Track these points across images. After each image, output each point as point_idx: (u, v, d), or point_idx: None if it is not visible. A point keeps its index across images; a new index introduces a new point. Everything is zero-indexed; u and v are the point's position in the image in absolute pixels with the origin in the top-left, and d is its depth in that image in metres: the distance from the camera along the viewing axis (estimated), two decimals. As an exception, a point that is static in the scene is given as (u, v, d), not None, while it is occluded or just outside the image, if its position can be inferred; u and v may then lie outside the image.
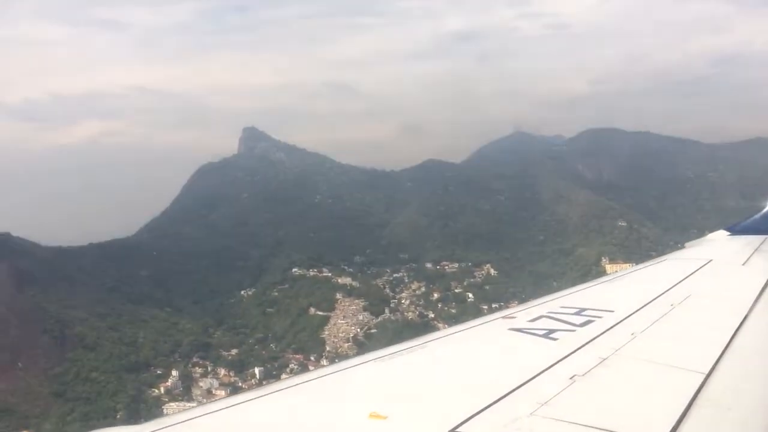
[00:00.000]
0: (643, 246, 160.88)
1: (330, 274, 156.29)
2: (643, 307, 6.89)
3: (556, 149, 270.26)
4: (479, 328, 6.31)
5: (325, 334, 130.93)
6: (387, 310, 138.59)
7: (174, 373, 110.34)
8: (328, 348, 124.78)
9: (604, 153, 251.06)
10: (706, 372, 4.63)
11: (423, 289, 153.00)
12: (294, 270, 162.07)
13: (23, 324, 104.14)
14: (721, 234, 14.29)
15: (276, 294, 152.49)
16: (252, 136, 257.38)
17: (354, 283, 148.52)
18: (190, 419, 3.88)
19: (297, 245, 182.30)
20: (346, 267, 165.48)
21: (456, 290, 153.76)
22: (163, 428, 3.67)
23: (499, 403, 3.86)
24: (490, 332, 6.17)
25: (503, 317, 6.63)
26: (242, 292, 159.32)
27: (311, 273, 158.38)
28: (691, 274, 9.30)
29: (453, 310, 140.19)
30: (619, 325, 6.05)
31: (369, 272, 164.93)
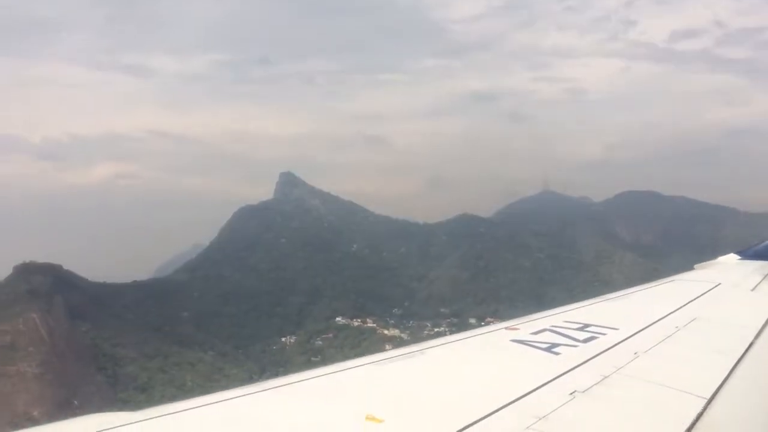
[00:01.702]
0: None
1: (375, 325, 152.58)
2: (647, 327, 6.74)
3: (592, 210, 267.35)
4: (481, 338, 6.22)
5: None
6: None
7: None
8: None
9: (641, 216, 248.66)
10: (708, 397, 4.50)
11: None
12: (338, 319, 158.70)
13: (79, 360, 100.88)
14: (732, 258, 13.95)
15: (320, 343, 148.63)
16: (288, 181, 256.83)
17: (403, 335, 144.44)
18: (185, 410, 3.80)
19: (335, 294, 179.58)
20: (388, 319, 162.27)
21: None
22: (155, 417, 3.64)
23: (496, 413, 3.83)
24: (491, 342, 6.07)
25: (506, 328, 6.47)
26: (283, 339, 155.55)
27: (355, 323, 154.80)
28: (699, 296, 9.13)
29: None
30: (622, 343, 5.92)
31: (410, 325, 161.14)
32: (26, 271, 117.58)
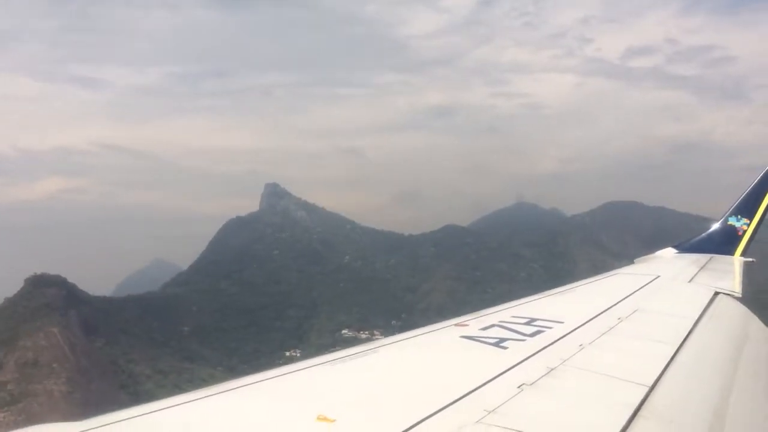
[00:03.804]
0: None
1: (384, 338, 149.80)
2: (591, 319, 6.89)
3: (578, 220, 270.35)
4: (431, 335, 6.20)
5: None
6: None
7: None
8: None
9: (625, 226, 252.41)
10: (650, 385, 4.72)
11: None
12: (344, 332, 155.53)
13: (102, 377, 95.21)
14: (669, 251, 14.74)
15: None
16: (274, 192, 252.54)
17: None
18: (130, 418, 3.72)
19: (335, 306, 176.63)
20: (395, 332, 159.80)
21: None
22: (99, 427, 3.56)
23: (446, 409, 3.91)
24: (441, 339, 6.04)
25: (456, 324, 6.44)
26: (287, 354, 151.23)
27: (363, 335, 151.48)
28: (639, 288, 9.49)
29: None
30: (567, 336, 6.04)
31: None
32: (38, 283, 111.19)
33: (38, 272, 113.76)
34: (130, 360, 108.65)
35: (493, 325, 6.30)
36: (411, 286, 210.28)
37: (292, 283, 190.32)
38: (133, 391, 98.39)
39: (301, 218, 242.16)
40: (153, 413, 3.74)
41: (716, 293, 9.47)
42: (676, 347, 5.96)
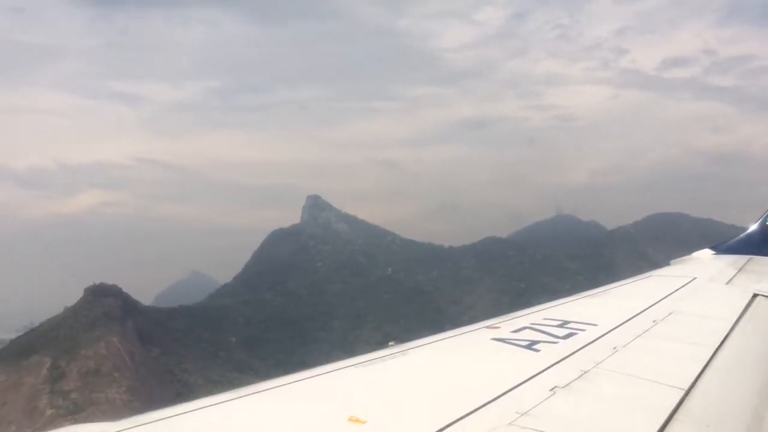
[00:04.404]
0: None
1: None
2: (625, 321, 6.81)
3: (622, 232, 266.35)
4: (462, 337, 6.20)
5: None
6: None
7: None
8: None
9: (672, 237, 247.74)
10: (686, 388, 4.66)
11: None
12: (391, 344, 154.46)
13: (160, 386, 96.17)
14: (706, 253, 14.30)
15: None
16: (315, 205, 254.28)
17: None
18: (166, 418, 3.72)
19: (380, 318, 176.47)
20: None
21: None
22: (137, 426, 3.56)
23: (478, 411, 3.90)
24: (472, 341, 6.02)
25: (487, 327, 6.42)
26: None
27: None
28: (675, 291, 9.30)
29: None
30: (601, 338, 5.96)
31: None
32: (97, 293, 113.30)
33: (96, 282, 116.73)
34: (185, 369, 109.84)
35: (524, 328, 6.26)
36: (455, 299, 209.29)
37: (336, 294, 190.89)
38: (189, 400, 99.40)
39: (342, 230, 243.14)
40: (187, 413, 3.75)
41: (755, 295, 9.28)
42: (713, 350, 5.87)
